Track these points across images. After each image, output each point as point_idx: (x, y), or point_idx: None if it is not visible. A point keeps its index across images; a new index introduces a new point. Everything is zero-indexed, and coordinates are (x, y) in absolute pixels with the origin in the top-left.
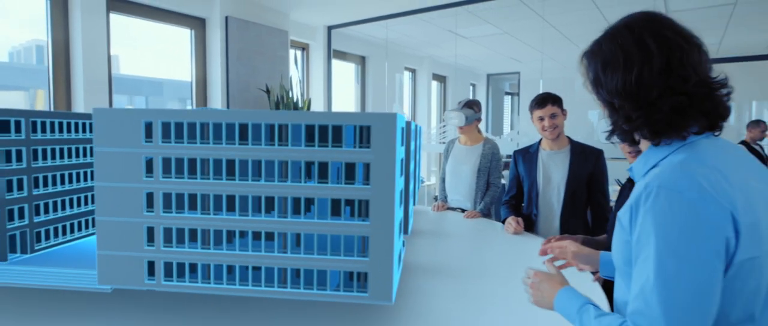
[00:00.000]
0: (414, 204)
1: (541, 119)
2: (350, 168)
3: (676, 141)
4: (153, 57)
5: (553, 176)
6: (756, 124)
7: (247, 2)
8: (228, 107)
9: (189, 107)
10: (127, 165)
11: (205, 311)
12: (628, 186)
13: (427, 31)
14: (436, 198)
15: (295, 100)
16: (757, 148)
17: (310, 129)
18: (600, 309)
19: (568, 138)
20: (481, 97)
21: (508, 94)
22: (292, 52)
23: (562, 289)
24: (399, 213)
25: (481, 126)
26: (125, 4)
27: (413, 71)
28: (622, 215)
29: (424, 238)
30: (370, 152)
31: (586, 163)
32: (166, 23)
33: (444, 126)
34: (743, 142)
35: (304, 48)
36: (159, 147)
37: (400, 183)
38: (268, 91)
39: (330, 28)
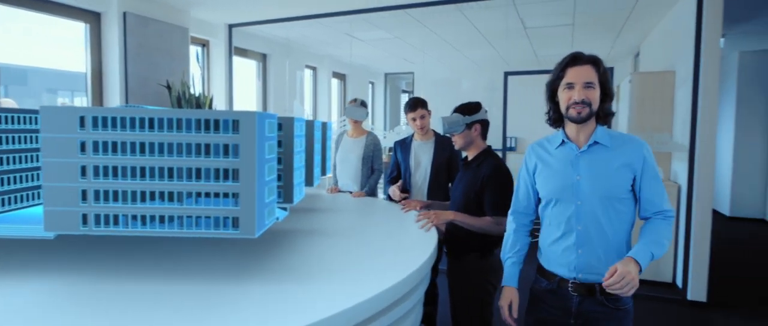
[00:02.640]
0: (311, 185)
1: (414, 120)
2: (226, 147)
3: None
4: (16, 44)
5: (421, 161)
6: None
7: None
8: (127, 101)
9: (63, 99)
10: (66, 146)
11: (128, 250)
12: (465, 164)
13: (325, 33)
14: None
15: (197, 95)
16: None
17: (198, 122)
18: (646, 239)
19: (433, 131)
20: (379, 95)
21: (404, 91)
22: (192, 48)
23: (632, 259)
24: (265, 180)
25: (378, 120)
26: None
27: (314, 69)
28: (632, 163)
29: (318, 213)
30: (239, 137)
31: (445, 150)
32: (58, 16)
33: (344, 121)
34: None
35: (204, 44)
36: (90, 133)
37: (265, 159)
38: (169, 87)
39: (231, 27)
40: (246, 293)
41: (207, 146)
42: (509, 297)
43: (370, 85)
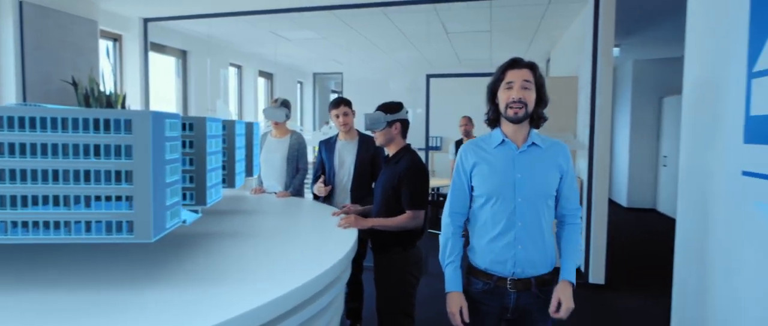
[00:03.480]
0: (233, 187)
1: (337, 116)
2: (118, 148)
3: None
4: None
5: (345, 160)
6: (466, 118)
7: None
8: (24, 99)
9: None
10: None
11: (15, 260)
12: (386, 161)
13: (249, 31)
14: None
15: (107, 93)
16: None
17: (86, 121)
18: (568, 253)
19: (358, 131)
20: (308, 95)
21: (333, 91)
22: (103, 42)
23: (568, 283)
24: (166, 181)
25: (307, 121)
26: None
27: (239, 67)
28: (560, 163)
29: (240, 215)
30: (132, 137)
31: (368, 150)
32: None
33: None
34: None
35: (117, 39)
36: None
37: (164, 160)
38: (74, 84)
39: (146, 21)
40: (145, 299)
41: (97, 147)
42: (458, 302)
43: (299, 85)
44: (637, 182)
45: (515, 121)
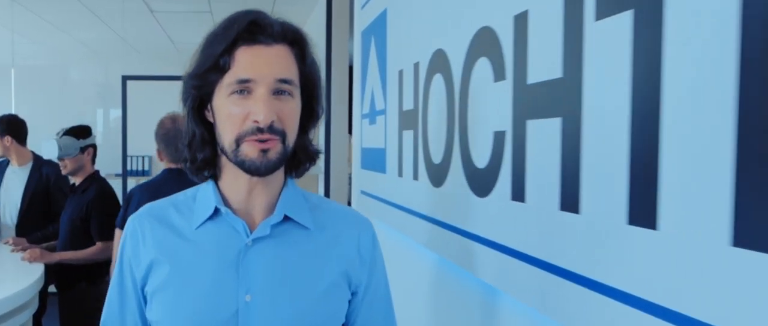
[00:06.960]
0: None
1: None
2: None
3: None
4: None
5: (12, 192)
6: None
7: None
8: None
9: None
10: None
11: None
12: (72, 191)
13: None
14: None
15: None
16: None
17: None
18: None
19: (33, 153)
20: None
21: None
22: None
23: None
24: None
25: None
26: None
27: None
28: (350, 262)
29: None
30: None
31: (42, 179)
32: None
33: None
34: None
35: None
36: None
37: None
38: None
39: None
40: None
41: None
42: None
43: None
44: None
45: (262, 170)
